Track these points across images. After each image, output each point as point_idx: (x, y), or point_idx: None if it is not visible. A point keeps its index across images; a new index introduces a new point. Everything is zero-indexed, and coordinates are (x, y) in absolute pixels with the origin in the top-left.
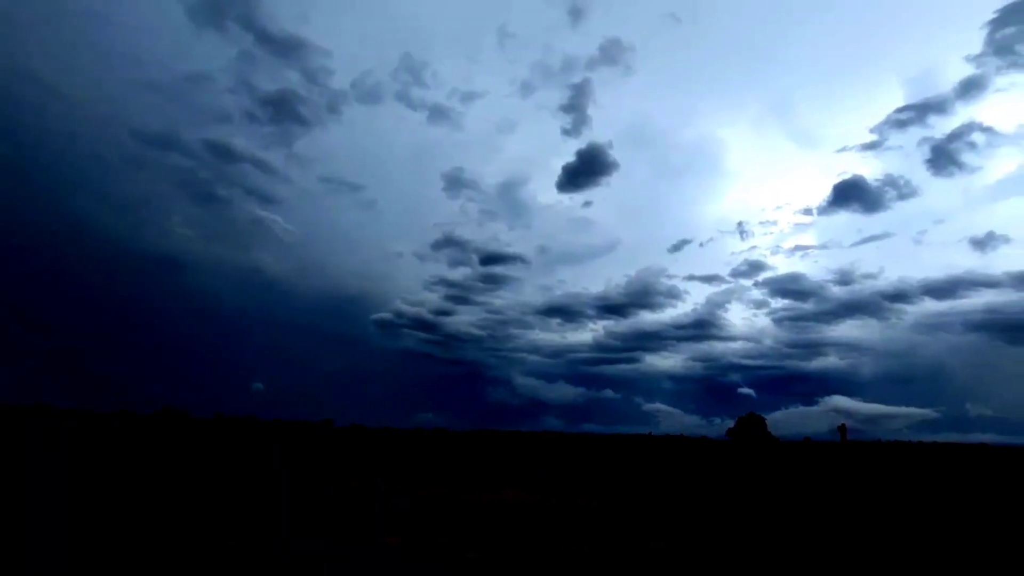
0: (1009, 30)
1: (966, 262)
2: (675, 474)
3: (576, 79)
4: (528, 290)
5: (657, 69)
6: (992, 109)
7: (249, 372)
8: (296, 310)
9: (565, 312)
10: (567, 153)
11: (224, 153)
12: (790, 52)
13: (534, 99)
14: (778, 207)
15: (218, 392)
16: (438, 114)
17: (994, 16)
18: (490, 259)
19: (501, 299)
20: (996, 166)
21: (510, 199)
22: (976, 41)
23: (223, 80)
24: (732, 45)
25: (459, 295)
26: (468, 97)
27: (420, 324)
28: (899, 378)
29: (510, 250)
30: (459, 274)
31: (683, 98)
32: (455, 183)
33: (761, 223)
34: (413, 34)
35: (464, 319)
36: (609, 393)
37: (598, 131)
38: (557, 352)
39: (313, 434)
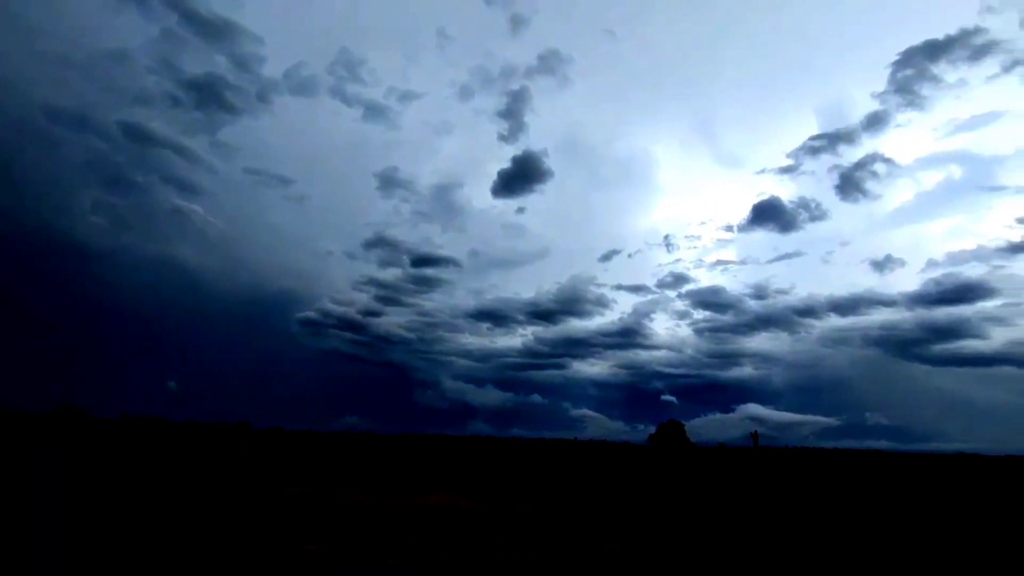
0: (908, 72)
1: (867, 282)
2: (600, 478)
3: (514, 86)
4: (459, 294)
5: (593, 82)
6: (893, 142)
7: (163, 370)
8: (216, 306)
9: (495, 316)
10: (503, 159)
11: (142, 137)
12: (717, 77)
13: (472, 103)
14: (702, 223)
15: (128, 391)
16: (374, 112)
17: (896, 58)
18: (422, 261)
19: (432, 302)
20: (895, 195)
21: (444, 202)
22: (881, 79)
23: (144, 59)
24: (664, 66)
25: (389, 296)
26: (405, 97)
27: (348, 324)
28: (806, 388)
29: (442, 253)
30: (390, 275)
31: (617, 112)
32: (389, 183)
33: (686, 237)
34: (351, 29)
35: (393, 321)
36: (537, 398)
37: (534, 139)
38: (486, 356)
39: (230, 436)
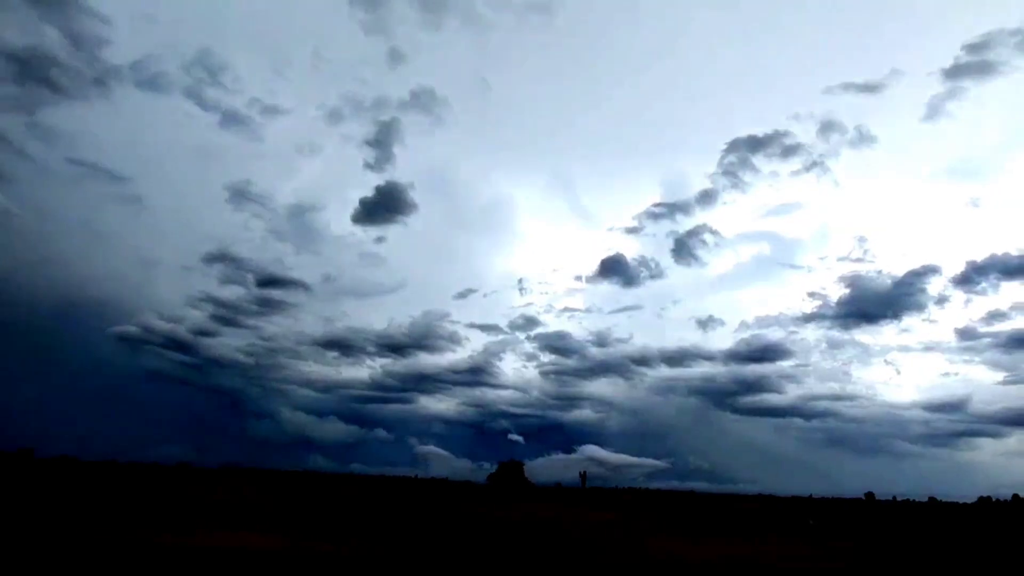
0: (732, 158)
1: (692, 337)
2: (433, 516)
3: (385, 117)
4: (307, 319)
5: (465, 125)
6: (720, 217)
7: None
8: (5, 310)
9: (343, 346)
10: (367, 187)
11: None
12: (579, 139)
13: (340, 128)
14: (555, 270)
15: None
16: (233, 120)
17: (724, 146)
18: (269, 282)
19: (275, 326)
20: (719, 263)
21: (301, 223)
22: (713, 162)
23: None
24: (532, 121)
25: (227, 316)
26: (270, 111)
27: (174, 343)
28: (639, 432)
29: (293, 275)
30: (231, 293)
31: (485, 157)
32: (241, 196)
33: (539, 283)
34: (216, 30)
35: (229, 343)
36: (382, 433)
37: (401, 171)
38: (330, 387)
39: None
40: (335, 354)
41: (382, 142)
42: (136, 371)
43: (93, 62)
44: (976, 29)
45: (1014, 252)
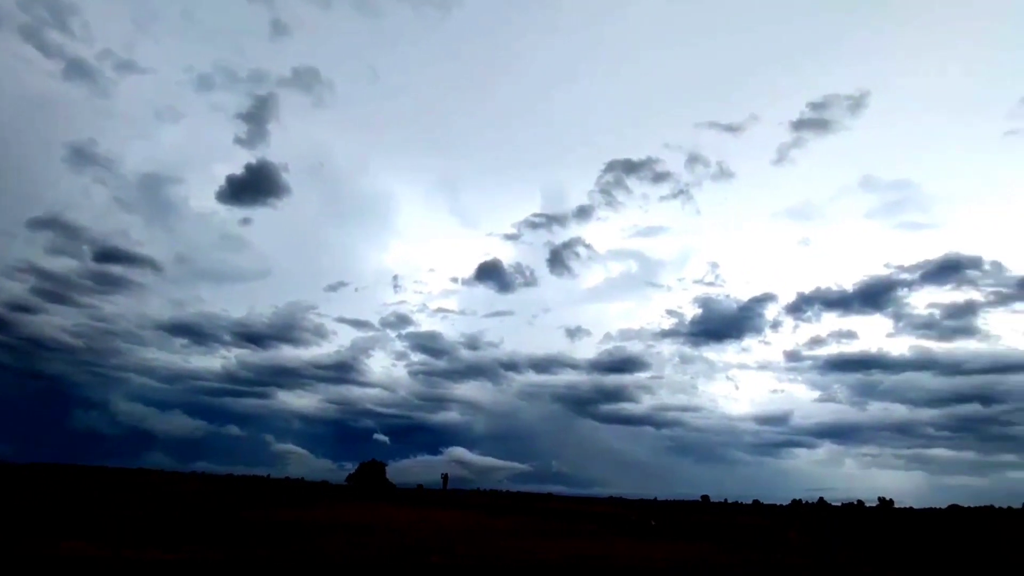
0: (608, 177)
1: (559, 346)
2: (275, 522)
3: (262, 91)
4: (153, 301)
5: (349, 112)
6: (594, 232)
7: None
8: None
9: (195, 333)
10: (236, 163)
11: None
12: (465, 142)
13: (209, 97)
14: (431, 270)
15: None
16: (79, 71)
17: (603, 166)
18: (109, 256)
19: (114, 305)
20: (589, 276)
21: (154, 194)
22: (591, 179)
23: None
24: (419, 119)
25: (54, 291)
26: (125, 66)
27: None
28: (504, 436)
29: (140, 251)
30: (60, 265)
31: (368, 148)
32: (82, 157)
33: (415, 281)
34: None
35: (55, 321)
36: (234, 429)
37: (275, 150)
38: (175, 377)
39: None
40: (184, 341)
41: (256, 117)
42: None
43: None
44: (819, 90)
45: (834, 287)
